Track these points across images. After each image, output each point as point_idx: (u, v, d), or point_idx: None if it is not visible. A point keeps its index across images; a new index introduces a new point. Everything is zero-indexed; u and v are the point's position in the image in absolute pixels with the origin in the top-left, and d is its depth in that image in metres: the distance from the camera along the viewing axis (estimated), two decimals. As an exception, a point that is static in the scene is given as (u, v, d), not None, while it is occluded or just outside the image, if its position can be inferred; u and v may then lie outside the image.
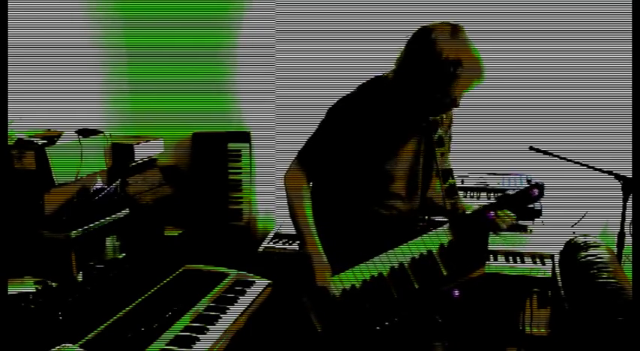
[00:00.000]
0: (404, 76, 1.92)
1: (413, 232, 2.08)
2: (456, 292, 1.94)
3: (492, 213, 1.95)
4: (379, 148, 2.01)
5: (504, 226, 1.96)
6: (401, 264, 1.97)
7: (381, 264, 1.98)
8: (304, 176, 2.09)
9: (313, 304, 1.96)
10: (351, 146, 2.01)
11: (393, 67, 1.97)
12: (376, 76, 2.07)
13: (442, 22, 1.87)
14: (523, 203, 1.99)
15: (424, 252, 1.97)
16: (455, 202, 2.00)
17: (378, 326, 1.95)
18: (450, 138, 2.18)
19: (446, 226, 1.98)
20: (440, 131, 2.03)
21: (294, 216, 2.08)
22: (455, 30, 1.85)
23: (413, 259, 1.97)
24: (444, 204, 2.01)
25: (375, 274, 1.97)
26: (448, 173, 2.00)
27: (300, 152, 2.11)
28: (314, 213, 2.07)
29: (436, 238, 1.98)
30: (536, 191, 1.99)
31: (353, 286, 1.97)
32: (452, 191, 1.99)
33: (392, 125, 2.00)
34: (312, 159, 2.09)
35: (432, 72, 1.83)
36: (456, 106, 1.93)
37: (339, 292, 1.97)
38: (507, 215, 1.96)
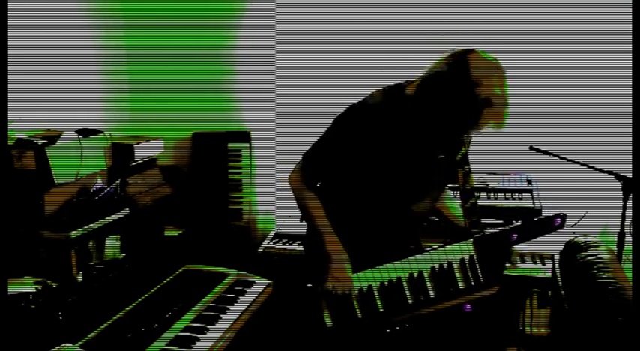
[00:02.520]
0: (431, 95, 1.81)
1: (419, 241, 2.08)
2: (467, 307, 1.98)
3: (515, 235, 2.00)
4: (390, 162, 1.96)
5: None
6: (420, 272, 1.98)
7: (401, 269, 2.00)
8: (310, 178, 2.08)
9: (328, 300, 1.97)
10: (361, 159, 1.96)
11: (416, 80, 1.87)
12: (390, 87, 1.99)
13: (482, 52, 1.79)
14: (544, 230, 2.07)
15: (444, 263, 1.99)
16: (475, 221, 1.99)
17: (388, 329, 1.98)
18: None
19: (470, 241, 1.99)
20: (462, 149, 2.00)
21: (309, 216, 2.06)
22: (494, 63, 1.78)
23: (433, 268, 1.99)
24: (465, 222, 2.01)
25: (394, 278, 1.98)
26: (470, 194, 1.99)
27: (305, 156, 2.08)
28: None
29: (458, 251, 2.00)
30: (558, 220, 2.07)
31: (370, 286, 1.99)
32: (472, 210, 2.00)
33: (407, 142, 1.94)
34: (318, 167, 2.06)
35: (462, 101, 1.74)
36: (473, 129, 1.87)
37: (355, 290, 1.98)
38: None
